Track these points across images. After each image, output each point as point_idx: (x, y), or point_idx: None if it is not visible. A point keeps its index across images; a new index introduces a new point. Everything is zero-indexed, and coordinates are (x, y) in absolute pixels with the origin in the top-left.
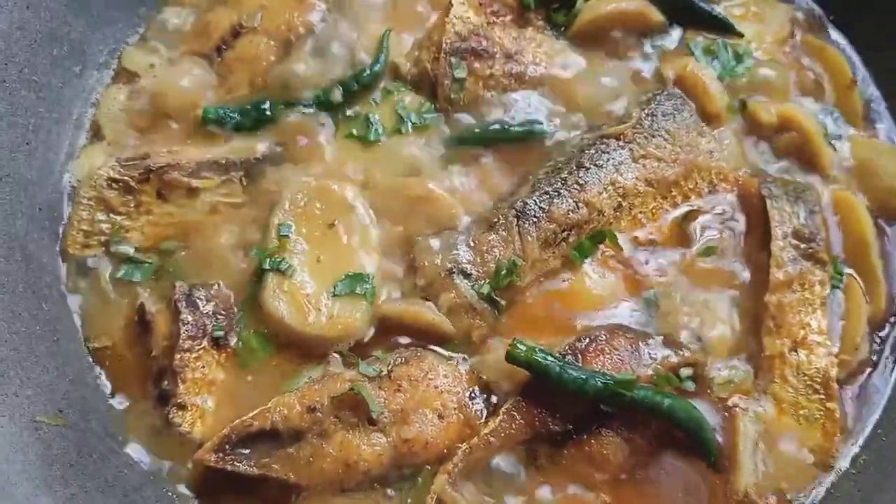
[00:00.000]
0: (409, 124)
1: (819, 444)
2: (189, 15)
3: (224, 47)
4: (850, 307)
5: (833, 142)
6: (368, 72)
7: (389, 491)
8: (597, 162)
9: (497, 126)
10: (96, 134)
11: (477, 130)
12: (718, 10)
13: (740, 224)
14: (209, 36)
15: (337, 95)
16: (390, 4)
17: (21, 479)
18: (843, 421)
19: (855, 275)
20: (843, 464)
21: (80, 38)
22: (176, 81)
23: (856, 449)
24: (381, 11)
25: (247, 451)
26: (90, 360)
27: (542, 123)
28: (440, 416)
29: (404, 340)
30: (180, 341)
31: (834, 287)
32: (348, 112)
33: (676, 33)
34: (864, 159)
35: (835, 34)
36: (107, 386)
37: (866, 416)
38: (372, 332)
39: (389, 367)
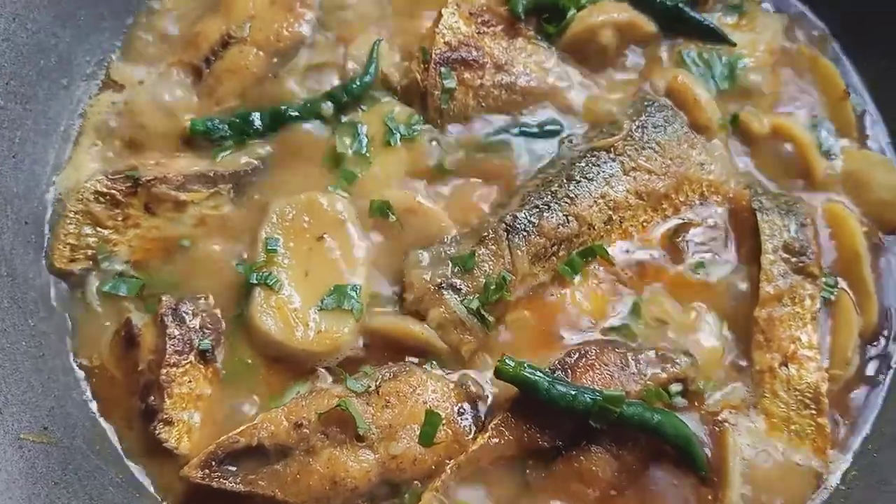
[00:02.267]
0: (399, 136)
1: (810, 460)
2: (178, 25)
3: (213, 58)
4: (842, 321)
5: (826, 153)
6: (358, 83)
7: None
8: (587, 175)
9: (489, 136)
10: (83, 147)
11: (466, 142)
12: (710, 19)
13: (731, 237)
14: (198, 46)
15: (326, 106)
16: (380, 14)
17: (4, 499)
18: (834, 436)
19: (847, 288)
20: (834, 480)
21: (67, 50)
22: (164, 93)
23: (846, 464)
24: (371, 22)
25: (233, 468)
26: (76, 376)
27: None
28: None
29: (392, 355)
30: (167, 356)
31: (825, 300)
32: (337, 123)
33: (668, 43)
34: (857, 171)
35: (828, 44)
36: (92, 402)
37: (856, 431)
38: (360, 346)
39: (377, 383)
